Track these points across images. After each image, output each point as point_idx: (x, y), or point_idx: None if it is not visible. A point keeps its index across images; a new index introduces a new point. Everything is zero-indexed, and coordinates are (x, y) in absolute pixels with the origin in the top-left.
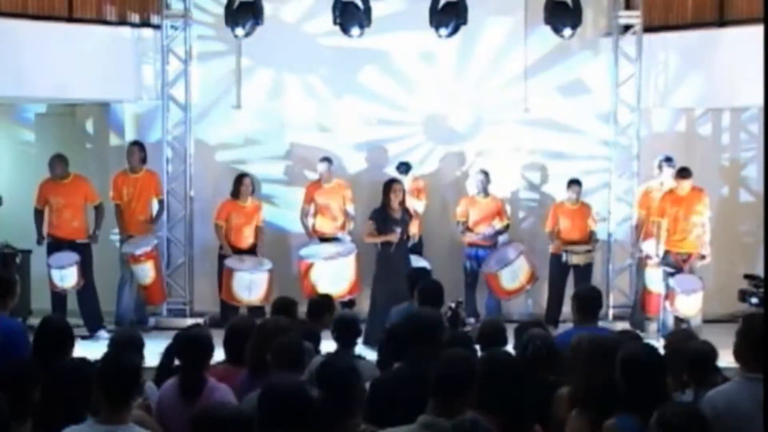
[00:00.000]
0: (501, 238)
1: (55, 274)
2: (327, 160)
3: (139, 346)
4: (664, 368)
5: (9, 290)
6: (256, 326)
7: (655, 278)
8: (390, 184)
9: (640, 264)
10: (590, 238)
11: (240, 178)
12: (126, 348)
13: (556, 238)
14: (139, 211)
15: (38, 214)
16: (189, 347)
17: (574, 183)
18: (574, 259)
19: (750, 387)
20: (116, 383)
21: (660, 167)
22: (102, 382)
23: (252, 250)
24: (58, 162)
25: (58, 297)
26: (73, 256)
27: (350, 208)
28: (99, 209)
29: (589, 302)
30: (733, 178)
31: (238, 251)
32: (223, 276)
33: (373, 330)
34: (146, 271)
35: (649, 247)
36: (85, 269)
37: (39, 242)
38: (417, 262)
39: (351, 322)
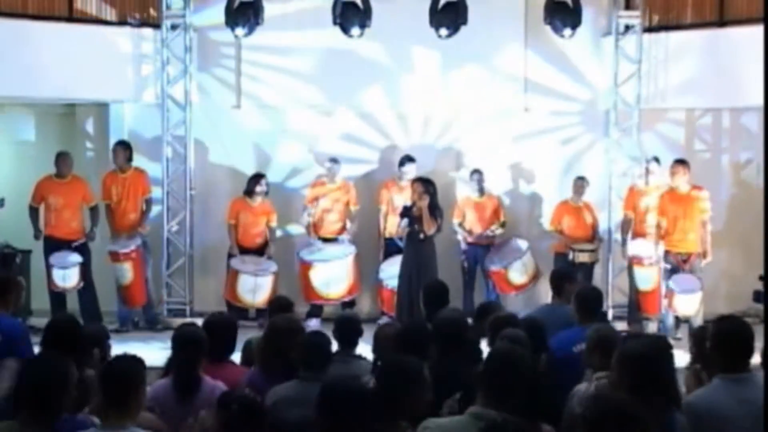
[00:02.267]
0: (494, 228)
1: (57, 274)
2: (333, 160)
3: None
4: (666, 364)
5: (8, 289)
6: (268, 325)
7: (644, 278)
8: (412, 183)
9: (631, 264)
10: (594, 236)
11: (257, 178)
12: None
13: (562, 236)
14: (129, 210)
15: (34, 212)
16: (184, 345)
17: (580, 179)
18: (581, 258)
19: (728, 388)
20: (114, 387)
21: (648, 167)
22: (102, 387)
23: (259, 250)
24: (65, 159)
25: (58, 297)
26: (76, 257)
27: (353, 210)
28: (95, 210)
29: (590, 302)
30: (733, 178)
31: (246, 251)
32: (229, 276)
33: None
34: (124, 272)
35: (636, 247)
36: (85, 270)
37: (36, 237)
38: None
39: (352, 322)
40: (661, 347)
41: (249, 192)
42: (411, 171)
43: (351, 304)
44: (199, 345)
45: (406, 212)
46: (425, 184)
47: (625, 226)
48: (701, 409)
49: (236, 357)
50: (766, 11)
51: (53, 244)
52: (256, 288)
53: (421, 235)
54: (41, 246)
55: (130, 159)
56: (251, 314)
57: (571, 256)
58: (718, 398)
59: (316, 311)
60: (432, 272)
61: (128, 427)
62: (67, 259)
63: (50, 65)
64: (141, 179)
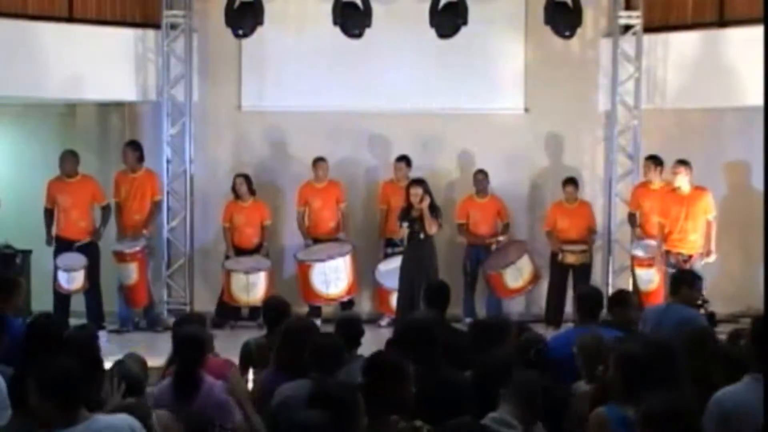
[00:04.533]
0: (501, 238)
1: (62, 276)
2: (322, 159)
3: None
4: (664, 364)
5: (14, 290)
6: (283, 326)
7: (644, 278)
8: (407, 187)
9: (633, 264)
10: (589, 237)
11: (236, 178)
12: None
13: (554, 238)
14: (135, 210)
15: (48, 213)
16: (185, 346)
17: (568, 182)
18: (569, 259)
19: (759, 387)
20: (65, 389)
21: (647, 167)
22: (52, 394)
23: (256, 250)
24: (69, 158)
25: (62, 298)
26: (82, 260)
27: (342, 207)
28: (106, 209)
29: (589, 302)
30: (733, 178)
31: (242, 251)
32: (223, 277)
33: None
34: (129, 272)
35: (637, 247)
36: (91, 272)
37: (48, 243)
38: None
39: (353, 323)
40: (658, 348)
41: (234, 194)
42: (401, 169)
43: (351, 304)
44: (200, 344)
45: (405, 214)
46: (422, 185)
47: (632, 223)
48: (729, 406)
49: (235, 358)
50: (766, 11)
51: (62, 245)
52: (250, 286)
53: (422, 235)
54: (43, 246)
55: (141, 159)
56: (244, 314)
57: (559, 257)
58: (747, 396)
59: (315, 312)
60: (433, 272)
61: (88, 416)
62: (73, 262)
63: (51, 65)
64: (151, 181)
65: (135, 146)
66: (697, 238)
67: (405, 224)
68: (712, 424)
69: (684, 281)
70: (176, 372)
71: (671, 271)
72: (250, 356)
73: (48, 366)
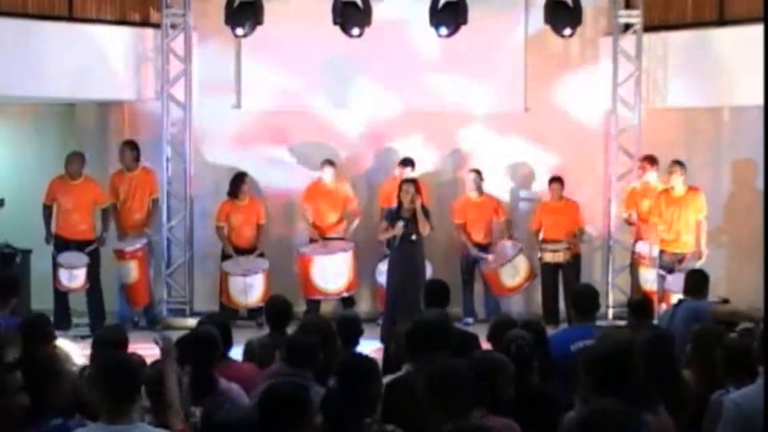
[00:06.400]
0: (498, 238)
1: (64, 274)
2: (330, 162)
3: (122, 344)
4: (632, 364)
5: (10, 290)
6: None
7: (648, 278)
8: (400, 185)
9: (635, 263)
10: (574, 235)
11: (241, 177)
12: (110, 346)
13: (536, 237)
14: (135, 209)
15: (47, 210)
16: (198, 347)
17: (553, 180)
18: (548, 258)
19: None
20: (119, 382)
21: (642, 167)
22: (105, 383)
23: (254, 250)
24: (76, 159)
25: (62, 296)
26: (84, 258)
27: (354, 205)
28: (106, 211)
29: (585, 300)
30: (732, 178)
31: (240, 251)
32: (221, 279)
33: (384, 326)
34: (129, 270)
35: (642, 246)
36: (92, 271)
37: (47, 241)
38: None
39: (353, 321)
40: (624, 348)
41: (234, 193)
42: (408, 174)
43: (351, 303)
44: (215, 346)
45: (396, 214)
46: (415, 185)
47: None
48: (747, 408)
49: (237, 357)
50: (766, 11)
51: (61, 244)
52: (247, 288)
53: (414, 236)
54: (42, 246)
55: (137, 159)
56: (242, 314)
57: (539, 255)
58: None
59: (313, 308)
60: (422, 276)
61: (136, 421)
62: (75, 260)
63: (50, 65)
64: (148, 179)
65: (132, 145)
66: (688, 238)
67: (401, 223)
68: (731, 427)
69: (705, 282)
70: (192, 373)
71: (662, 271)
72: (253, 356)
73: (112, 355)
